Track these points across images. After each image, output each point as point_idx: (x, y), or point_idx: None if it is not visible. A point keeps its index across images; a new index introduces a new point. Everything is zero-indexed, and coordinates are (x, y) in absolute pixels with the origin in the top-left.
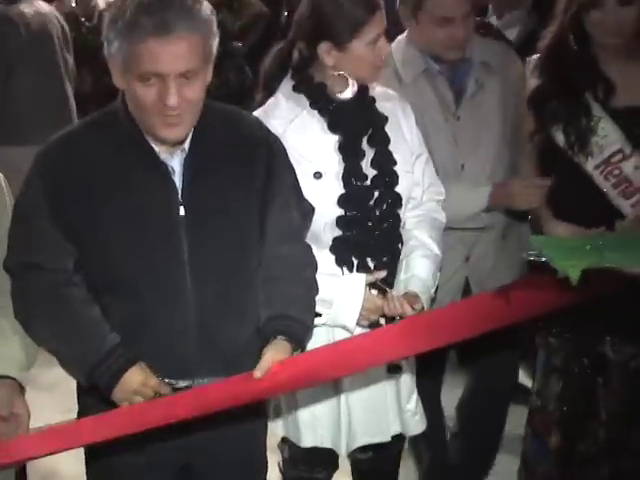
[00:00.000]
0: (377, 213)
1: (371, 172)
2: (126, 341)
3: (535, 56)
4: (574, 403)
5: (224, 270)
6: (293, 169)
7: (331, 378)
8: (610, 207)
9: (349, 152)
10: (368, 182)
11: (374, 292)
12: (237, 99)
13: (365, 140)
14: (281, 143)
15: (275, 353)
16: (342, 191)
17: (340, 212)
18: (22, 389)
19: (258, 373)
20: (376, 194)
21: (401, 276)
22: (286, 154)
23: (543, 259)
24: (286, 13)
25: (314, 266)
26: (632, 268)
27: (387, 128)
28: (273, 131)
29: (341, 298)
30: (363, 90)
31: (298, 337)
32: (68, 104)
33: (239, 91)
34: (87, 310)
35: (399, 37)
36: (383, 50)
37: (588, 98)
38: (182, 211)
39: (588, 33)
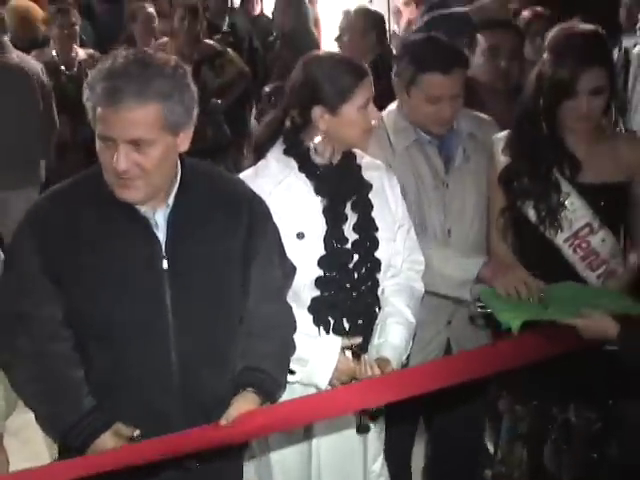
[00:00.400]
0: (356, 276)
1: (352, 236)
2: (108, 391)
3: (502, 134)
4: (540, 469)
5: (206, 323)
6: (277, 229)
7: (300, 425)
8: (577, 278)
9: (332, 215)
10: (349, 245)
11: (348, 355)
12: (212, 155)
13: (349, 205)
14: (264, 203)
15: (242, 403)
16: (323, 252)
17: (319, 273)
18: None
19: (224, 421)
20: (356, 257)
21: (375, 341)
22: (269, 214)
23: (489, 310)
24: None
25: (292, 326)
26: (569, 320)
27: (371, 195)
28: (261, 190)
29: (316, 358)
30: (350, 157)
31: (267, 390)
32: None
33: (215, 147)
34: (69, 371)
35: (389, 107)
36: (373, 115)
37: (556, 175)
38: (165, 264)
39: (557, 117)
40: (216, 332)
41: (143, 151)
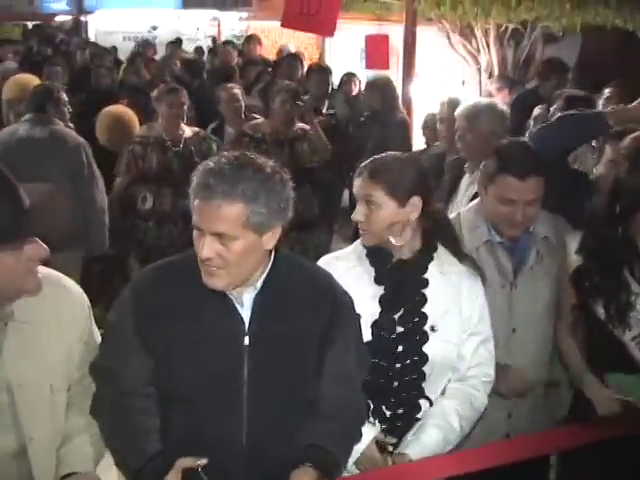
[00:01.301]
0: (398, 366)
1: (399, 328)
2: (182, 451)
3: (576, 234)
4: None
5: (279, 398)
6: (357, 323)
7: None
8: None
9: (385, 305)
10: (394, 335)
11: (377, 449)
12: (299, 229)
13: (403, 298)
14: (348, 297)
15: (301, 477)
16: (369, 338)
17: None
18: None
19: None
20: (400, 348)
21: (408, 436)
22: (351, 308)
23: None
24: None
25: (360, 413)
26: None
27: (436, 292)
28: (337, 271)
29: None
30: (422, 253)
31: (326, 468)
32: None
33: (304, 222)
34: (141, 421)
35: (470, 204)
36: None
37: (627, 275)
38: (247, 341)
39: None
40: (286, 409)
41: (226, 244)
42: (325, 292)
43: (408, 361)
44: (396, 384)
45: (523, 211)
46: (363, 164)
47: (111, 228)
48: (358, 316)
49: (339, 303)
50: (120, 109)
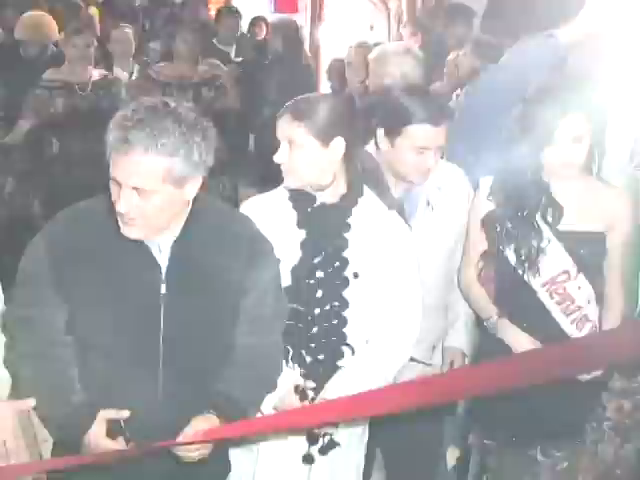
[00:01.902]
0: (318, 311)
1: (319, 273)
2: (97, 402)
3: (486, 179)
4: None
5: (195, 346)
6: (277, 269)
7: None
8: (552, 322)
9: (306, 249)
10: (313, 280)
11: (296, 395)
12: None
13: (325, 242)
14: (267, 243)
15: (199, 423)
16: (289, 283)
17: None
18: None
19: (181, 438)
20: (319, 293)
21: (330, 382)
22: (270, 254)
23: None
24: None
25: (275, 362)
26: None
27: (355, 237)
28: (258, 213)
29: None
30: (347, 198)
31: (229, 416)
32: None
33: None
34: (64, 368)
35: (366, 150)
36: None
37: (539, 221)
38: (164, 289)
39: (541, 163)
40: (202, 357)
41: (145, 197)
42: (243, 239)
43: (328, 306)
44: (316, 330)
45: (435, 157)
46: (286, 105)
47: (15, 174)
48: (277, 263)
49: (257, 250)
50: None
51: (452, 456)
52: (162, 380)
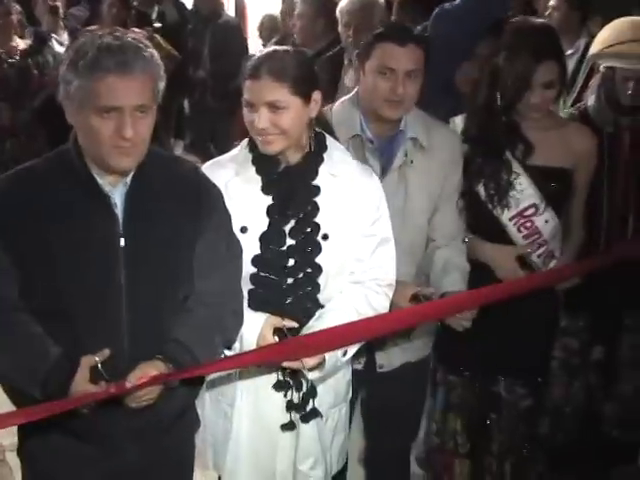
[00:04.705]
0: (291, 281)
1: (290, 240)
2: None
3: (458, 119)
4: (471, 438)
5: (157, 298)
6: (227, 213)
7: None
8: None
9: (275, 216)
10: (284, 248)
11: (276, 338)
12: None
13: (293, 208)
14: (216, 188)
15: (146, 368)
16: (258, 251)
17: (253, 270)
18: None
19: (128, 383)
20: (291, 261)
21: (308, 323)
22: (219, 198)
23: None
24: None
25: (231, 304)
26: None
27: (324, 199)
28: (220, 178)
29: (243, 330)
30: (313, 158)
31: (176, 359)
32: None
33: None
34: (31, 331)
35: (344, 97)
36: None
37: (509, 156)
38: (122, 242)
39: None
40: (164, 309)
41: (144, 118)
42: (193, 184)
43: (301, 274)
44: (290, 299)
45: (403, 84)
46: (252, 65)
47: None
48: (225, 206)
49: (206, 194)
50: None
51: None
52: (127, 339)
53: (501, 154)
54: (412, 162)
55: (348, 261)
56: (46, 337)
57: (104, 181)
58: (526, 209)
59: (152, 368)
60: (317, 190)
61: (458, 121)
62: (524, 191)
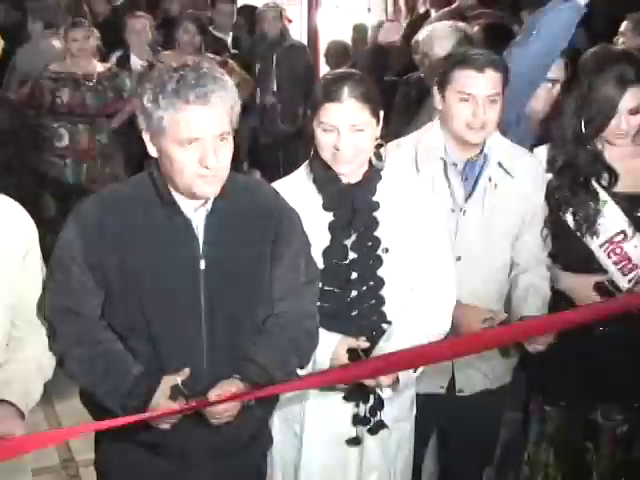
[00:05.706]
0: (355, 293)
1: (352, 254)
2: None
3: (541, 151)
4: (566, 470)
5: (236, 321)
6: (305, 237)
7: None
8: (610, 282)
9: (336, 232)
10: (347, 262)
11: (347, 356)
12: None
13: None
14: (294, 212)
15: (225, 387)
16: (322, 266)
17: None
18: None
19: (212, 395)
20: (354, 275)
21: (380, 342)
22: (299, 224)
23: None
24: None
25: (306, 327)
26: None
27: (384, 213)
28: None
29: (316, 351)
30: (371, 176)
31: (253, 380)
32: None
33: None
34: (115, 346)
35: (429, 124)
36: None
37: (595, 185)
38: (202, 265)
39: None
40: (243, 332)
41: (225, 145)
42: (272, 209)
43: (364, 287)
44: (355, 312)
45: (484, 109)
46: (332, 89)
47: (21, 166)
48: (304, 230)
49: (284, 218)
50: None
51: None
52: (206, 360)
53: (588, 183)
54: (496, 186)
55: (409, 275)
56: (127, 355)
57: (186, 205)
58: (615, 236)
59: (231, 386)
60: (377, 205)
61: (541, 151)
62: (612, 218)
